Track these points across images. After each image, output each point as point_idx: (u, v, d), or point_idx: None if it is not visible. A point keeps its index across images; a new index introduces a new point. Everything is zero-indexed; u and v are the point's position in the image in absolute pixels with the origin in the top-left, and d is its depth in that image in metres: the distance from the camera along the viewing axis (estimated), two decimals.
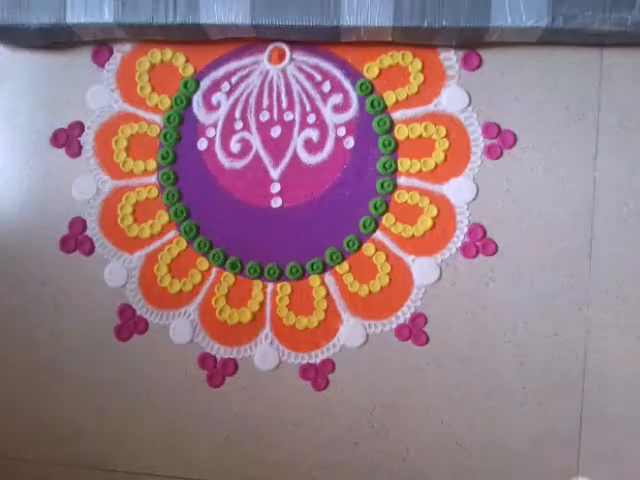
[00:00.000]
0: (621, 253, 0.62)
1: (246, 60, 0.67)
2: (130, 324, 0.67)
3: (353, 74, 0.65)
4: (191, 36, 0.64)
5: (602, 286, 0.62)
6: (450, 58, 0.64)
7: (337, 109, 0.66)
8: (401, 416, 0.64)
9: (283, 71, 0.66)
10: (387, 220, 0.65)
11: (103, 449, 0.67)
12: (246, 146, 0.67)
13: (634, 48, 0.62)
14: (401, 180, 0.65)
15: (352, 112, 0.65)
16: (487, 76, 0.64)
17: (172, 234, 0.67)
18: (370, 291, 0.65)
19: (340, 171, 0.65)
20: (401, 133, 0.65)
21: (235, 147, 0.67)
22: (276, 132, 0.66)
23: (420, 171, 0.65)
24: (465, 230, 0.64)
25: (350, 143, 0.65)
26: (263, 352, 0.66)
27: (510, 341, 0.63)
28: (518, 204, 0.63)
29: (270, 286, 0.66)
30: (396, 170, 0.65)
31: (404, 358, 0.64)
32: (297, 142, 0.66)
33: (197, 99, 0.67)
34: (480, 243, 0.64)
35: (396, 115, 0.65)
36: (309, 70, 0.66)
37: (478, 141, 0.64)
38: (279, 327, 0.66)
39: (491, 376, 0.63)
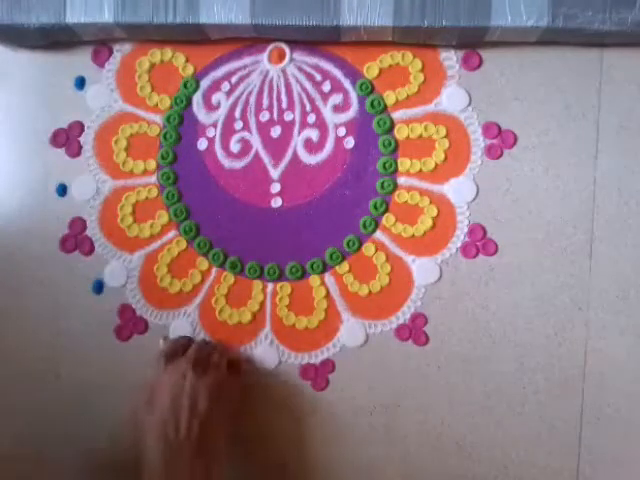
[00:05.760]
0: (621, 253, 0.62)
1: (246, 60, 0.67)
2: (130, 324, 0.67)
3: (353, 74, 0.65)
4: (191, 36, 0.64)
5: (602, 286, 0.62)
6: (450, 58, 0.64)
7: (337, 109, 0.66)
8: (401, 416, 0.64)
9: (283, 71, 0.66)
10: (387, 220, 0.65)
11: (103, 449, 0.67)
12: (246, 146, 0.67)
13: (634, 48, 0.62)
14: (401, 180, 0.65)
15: (352, 112, 0.65)
16: (487, 76, 0.64)
17: (172, 234, 0.67)
18: (370, 291, 0.65)
19: (340, 171, 0.65)
20: (401, 133, 0.65)
21: (235, 147, 0.67)
22: (276, 132, 0.66)
23: (420, 171, 0.65)
24: (465, 230, 0.64)
25: (350, 143, 0.65)
26: (263, 352, 0.66)
27: (510, 341, 0.63)
28: (518, 204, 0.63)
29: (270, 286, 0.66)
30: (396, 170, 0.65)
31: (404, 358, 0.64)
32: (297, 142, 0.66)
33: (197, 99, 0.67)
34: (480, 243, 0.64)
35: (396, 115, 0.65)
36: (309, 70, 0.66)
37: (478, 141, 0.64)
38: (279, 327, 0.66)
39: (491, 376, 0.63)
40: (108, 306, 0.67)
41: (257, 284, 0.66)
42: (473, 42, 0.63)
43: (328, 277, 0.65)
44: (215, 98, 0.67)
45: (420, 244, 0.64)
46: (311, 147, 0.66)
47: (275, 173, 0.66)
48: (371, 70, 0.65)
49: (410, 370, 0.64)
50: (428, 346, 0.64)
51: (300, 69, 0.66)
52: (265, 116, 0.66)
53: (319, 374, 0.65)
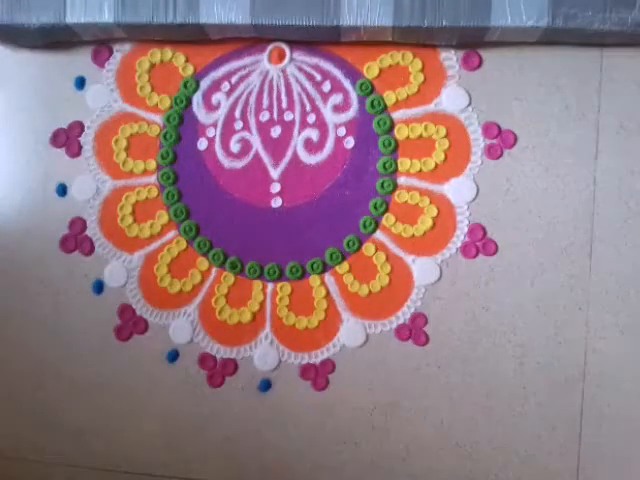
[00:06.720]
0: (621, 253, 0.62)
1: (246, 60, 0.67)
2: (130, 324, 0.67)
3: (353, 74, 0.65)
4: (191, 36, 0.64)
5: (602, 286, 0.62)
6: (450, 58, 0.64)
7: (337, 109, 0.66)
8: (401, 416, 0.64)
9: (283, 71, 0.66)
10: (387, 220, 0.65)
11: (103, 449, 0.67)
12: (246, 146, 0.67)
13: (634, 48, 0.62)
14: (401, 180, 0.65)
15: (352, 112, 0.65)
16: (487, 76, 0.64)
17: (172, 234, 0.67)
18: (370, 291, 0.65)
19: (340, 171, 0.65)
20: (401, 133, 0.65)
21: (235, 147, 0.67)
22: (276, 132, 0.66)
23: (420, 171, 0.65)
24: (465, 230, 0.64)
25: (350, 143, 0.65)
26: (263, 352, 0.66)
27: (510, 341, 0.63)
28: (518, 204, 0.63)
29: (270, 286, 0.66)
30: (396, 170, 0.65)
31: (404, 358, 0.64)
32: (297, 142, 0.66)
33: (197, 99, 0.67)
34: (480, 243, 0.64)
35: (396, 115, 0.65)
36: (309, 70, 0.66)
37: (478, 141, 0.64)
38: (279, 327, 0.66)
39: (491, 376, 0.63)
40: (108, 306, 0.67)
41: (257, 284, 0.66)
42: (473, 42, 0.63)
43: (328, 277, 0.65)
44: (215, 98, 0.67)
45: (420, 244, 0.64)
46: (311, 147, 0.66)
47: (275, 173, 0.66)
48: (371, 70, 0.65)
49: (410, 370, 0.64)
50: (428, 346, 0.64)
51: (300, 69, 0.66)
52: (265, 116, 0.66)
53: (319, 374, 0.65)
